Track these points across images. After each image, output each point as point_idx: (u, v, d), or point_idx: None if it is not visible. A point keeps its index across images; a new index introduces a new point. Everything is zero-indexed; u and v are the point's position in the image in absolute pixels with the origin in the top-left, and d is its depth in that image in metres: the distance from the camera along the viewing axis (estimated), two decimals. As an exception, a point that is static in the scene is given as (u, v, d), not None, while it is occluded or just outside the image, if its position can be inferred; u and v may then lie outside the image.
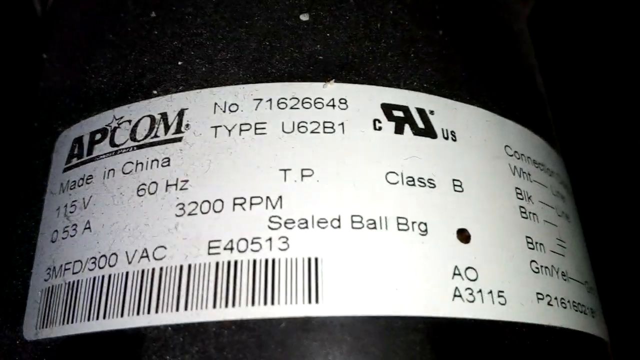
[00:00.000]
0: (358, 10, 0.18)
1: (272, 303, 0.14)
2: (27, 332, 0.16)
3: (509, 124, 0.19)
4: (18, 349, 0.16)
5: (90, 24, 0.20)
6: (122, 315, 0.14)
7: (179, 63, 0.17)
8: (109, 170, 0.16)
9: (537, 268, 0.16)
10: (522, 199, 0.17)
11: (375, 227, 0.15)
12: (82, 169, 0.17)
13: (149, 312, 0.14)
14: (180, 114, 0.16)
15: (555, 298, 0.16)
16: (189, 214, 0.15)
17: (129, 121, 0.17)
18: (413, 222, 0.15)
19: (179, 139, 0.16)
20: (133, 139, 0.16)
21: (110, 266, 0.15)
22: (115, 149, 0.17)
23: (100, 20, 0.20)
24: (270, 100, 0.16)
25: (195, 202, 0.15)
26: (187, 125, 0.16)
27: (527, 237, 0.17)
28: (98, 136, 0.17)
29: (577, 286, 0.18)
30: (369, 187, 0.15)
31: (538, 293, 0.16)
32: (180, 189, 0.15)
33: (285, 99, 0.16)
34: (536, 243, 0.17)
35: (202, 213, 0.15)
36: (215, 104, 0.16)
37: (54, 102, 0.19)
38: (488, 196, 0.16)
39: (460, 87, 0.18)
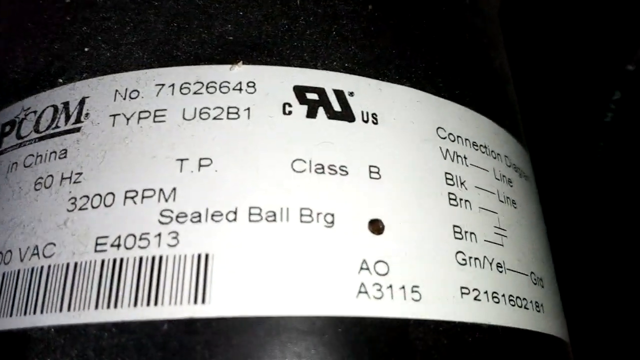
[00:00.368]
0: (277, -14, 0.17)
1: (156, 304, 0.13)
2: None
3: (445, 104, 0.17)
4: None
5: (12, 13, 0.19)
6: (11, 315, 0.14)
7: (85, 49, 0.16)
8: (13, 164, 0.16)
9: (465, 260, 0.15)
10: (452, 185, 0.16)
11: (275, 220, 0.14)
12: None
13: (34, 312, 0.13)
14: (82, 102, 0.15)
15: (486, 292, 0.15)
16: (80, 209, 0.14)
17: (35, 112, 0.16)
18: (318, 213, 0.14)
19: (77, 129, 0.15)
20: (36, 130, 0.16)
21: (5, 264, 0.14)
22: (20, 141, 0.16)
23: (20, 9, 0.19)
24: (172, 85, 0.15)
25: (87, 196, 0.14)
26: (87, 115, 0.15)
27: (454, 226, 0.15)
28: (7, 128, 0.16)
29: (518, 278, 0.16)
30: (272, 176, 0.14)
31: (463, 287, 0.15)
32: (74, 182, 0.14)
33: (189, 84, 0.15)
34: (466, 232, 0.16)
35: (93, 208, 0.14)
36: (116, 91, 0.15)
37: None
38: (409, 183, 0.15)
39: (388, 66, 0.17)
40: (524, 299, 0.16)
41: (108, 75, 0.16)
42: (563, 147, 0.25)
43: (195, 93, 0.15)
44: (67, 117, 0.15)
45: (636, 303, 0.28)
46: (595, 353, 0.29)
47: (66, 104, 0.16)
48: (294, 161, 0.14)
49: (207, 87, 0.15)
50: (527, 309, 0.16)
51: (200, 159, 0.14)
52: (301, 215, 0.14)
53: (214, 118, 0.15)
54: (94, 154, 0.15)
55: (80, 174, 0.14)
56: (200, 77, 0.15)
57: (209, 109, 0.15)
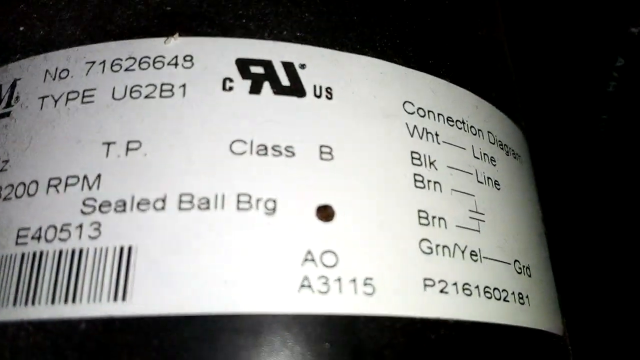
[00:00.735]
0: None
1: (74, 301, 0.12)
2: None
3: (415, 76, 0.15)
4: None
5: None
6: None
7: (20, 29, 0.15)
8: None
9: (430, 248, 0.13)
10: (419, 165, 0.14)
11: (208, 208, 0.12)
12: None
13: (-46, 311, 0.12)
14: (13, 85, 0.14)
15: (455, 284, 0.13)
16: (4, 199, 0.13)
17: (-30, 97, 0.15)
18: (258, 200, 0.13)
19: (8, 114, 0.14)
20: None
21: None
22: (-45, 128, 0.15)
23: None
24: (103, 62, 0.14)
25: (12, 185, 0.13)
26: (17, 98, 0.14)
27: (420, 211, 0.14)
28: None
29: (497, 267, 0.15)
30: (207, 159, 0.13)
31: (426, 279, 0.13)
32: (1, 171, 0.13)
33: (121, 60, 0.14)
34: (433, 218, 0.14)
35: (16, 197, 0.13)
36: (47, 71, 0.14)
37: None
38: (367, 164, 0.14)
39: (348, 34, 0.15)
40: (504, 290, 0.15)
41: (40, 55, 0.14)
42: (563, 122, 0.23)
43: (126, 70, 0.14)
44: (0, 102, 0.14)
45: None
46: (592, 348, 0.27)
47: (-2, 88, 0.15)
48: (232, 142, 0.13)
49: (139, 63, 0.14)
50: (507, 301, 0.15)
51: (129, 142, 0.13)
52: (238, 202, 0.12)
53: (146, 97, 0.13)
54: (21, 140, 0.13)
55: (6, 161, 0.13)
56: (133, 52, 0.14)
57: (141, 87, 0.13)
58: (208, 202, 0.12)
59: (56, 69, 0.14)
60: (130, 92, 0.13)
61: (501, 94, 0.18)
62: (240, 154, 0.13)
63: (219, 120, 0.13)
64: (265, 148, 0.13)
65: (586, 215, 0.26)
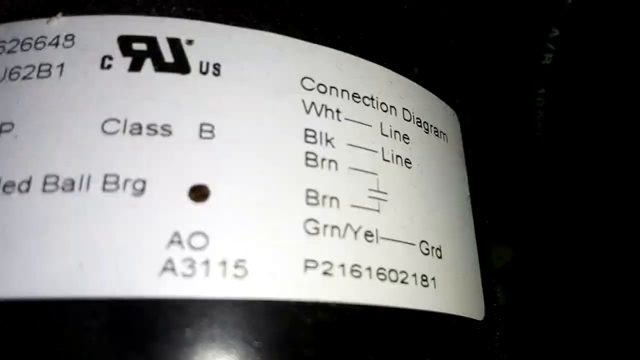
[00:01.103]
0: None
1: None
2: None
3: (319, 50, 0.15)
4: None
5: None
6: None
7: None
8: None
9: (317, 229, 0.13)
10: (314, 143, 0.14)
11: (72, 189, 0.12)
12: None
13: None
14: None
15: (342, 265, 0.13)
16: None
17: None
18: (127, 180, 0.12)
19: None
20: None
21: None
22: None
23: None
24: (-13, 45, 0.14)
25: None
26: None
27: (308, 190, 0.13)
28: None
29: (397, 248, 0.14)
30: (76, 140, 0.12)
31: (308, 260, 0.13)
32: None
33: (4, 42, 0.14)
34: (324, 197, 0.13)
35: None
36: (-64, 53, 0.14)
37: None
38: (251, 142, 0.13)
39: (244, 8, 0.14)
40: (402, 272, 0.14)
41: None
42: (500, 98, 0.22)
43: (9, 52, 0.13)
44: None
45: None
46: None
47: None
48: (105, 122, 0.13)
49: (22, 45, 0.13)
50: (406, 283, 0.14)
51: (2, 124, 0.13)
52: (105, 182, 0.12)
53: (24, 78, 0.13)
54: None
55: None
56: (17, 34, 0.14)
57: (20, 68, 0.13)
58: (73, 183, 0.12)
59: (-57, 52, 0.14)
60: (10, 73, 0.13)
61: (426, 69, 0.17)
62: (112, 133, 0.13)
63: (92, 100, 0.13)
64: (140, 127, 0.13)
65: (524, 196, 0.25)
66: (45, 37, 0.14)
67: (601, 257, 0.26)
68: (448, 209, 0.16)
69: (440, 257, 0.15)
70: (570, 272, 0.28)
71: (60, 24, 0.14)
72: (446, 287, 0.15)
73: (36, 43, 0.13)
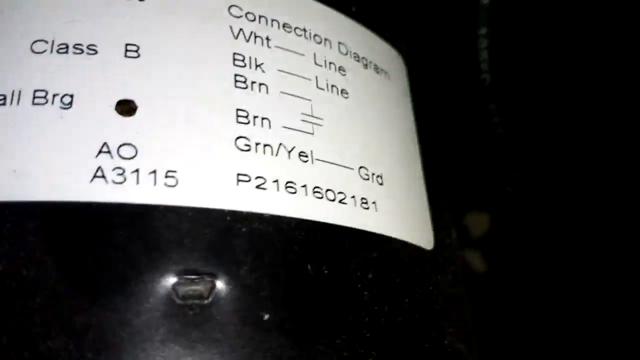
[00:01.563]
0: None
1: None
2: None
3: (249, -18, 0.15)
4: None
5: None
6: None
7: None
8: None
9: (248, 145, 0.13)
10: (243, 67, 0.14)
11: (4, 104, 0.12)
12: None
13: None
14: None
15: (276, 181, 0.13)
16: None
17: None
18: (55, 95, 0.12)
19: None
20: None
21: None
22: None
23: None
24: None
25: None
26: None
27: (238, 109, 0.13)
28: None
29: (335, 170, 0.14)
30: (7, 59, 0.13)
31: (241, 174, 0.13)
32: None
33: None
34: (255, 117, 0.14)
35: None
36: None
37: None
38: (177, 63, 0.13)
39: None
40: (340, 192, 0.14)
41: None
42: (442, 44, 0.22)
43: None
44: None
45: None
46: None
47: None
48: (34, 42, 0.13)
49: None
50: (345, 203, 0.14)
51: None
52: (34, 97, 0.12)
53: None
54: None
55: None
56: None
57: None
58: (5, 98, 0.12)
59: None
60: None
61: (364, 9, 0.18)
62: (40, 52, 0.13)
63: (21, 21, 0.13)
64: (67, 47, 0.13)
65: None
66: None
67: (575, 214, 0.26)
68: (390, 141, 0.16)
69: (381, 184, 0.15)
70: (548, 237, 0.28)
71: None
72: (388, 211, 0.15)
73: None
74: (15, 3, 0.13)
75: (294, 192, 0.13)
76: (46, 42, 0.13)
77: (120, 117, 0.12)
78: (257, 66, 0.14)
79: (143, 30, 0.13)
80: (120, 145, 0.12)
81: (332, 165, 0.14)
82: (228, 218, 0.12)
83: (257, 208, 0.13)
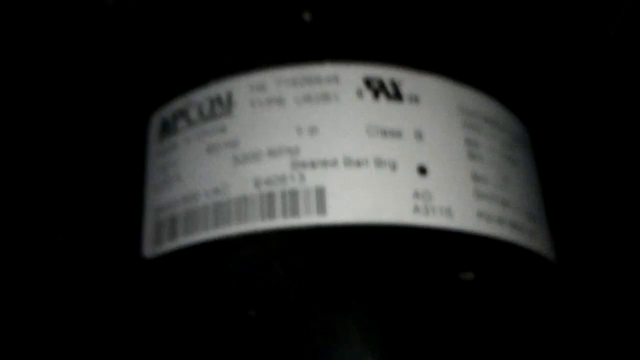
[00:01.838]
0: None
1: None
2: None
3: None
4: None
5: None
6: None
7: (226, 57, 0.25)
8: (186, 139, 0.24)
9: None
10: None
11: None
12: (169, 140, 0.25)
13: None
14: (229, 95, 0.24)
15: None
16: (241, 163, 0.23)
17: (198, 103, 0.25)
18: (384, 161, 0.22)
19: (229, 112, 0.24)
20: (201, 115, 0.24)
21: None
22: (189, 124, 0.25)
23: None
24: (287, 81, 0.24)
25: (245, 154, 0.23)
26: (234, 103, 0.24)
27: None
28: (179, 115, 0.25)
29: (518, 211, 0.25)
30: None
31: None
32: (233, 147, 0.23)
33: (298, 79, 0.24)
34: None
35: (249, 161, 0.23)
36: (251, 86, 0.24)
37: (144, 93, 0.27)
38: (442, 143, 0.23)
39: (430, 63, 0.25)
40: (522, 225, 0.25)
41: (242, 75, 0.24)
42: None
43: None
44: (220, 105, 0.24)
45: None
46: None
47: (219, 97, 0.24)
48: (367, 128, 0.23)
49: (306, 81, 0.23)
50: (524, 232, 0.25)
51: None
52: (376, 163, 0.22)
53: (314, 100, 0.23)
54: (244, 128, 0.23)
55: (236, 141, 0.23)
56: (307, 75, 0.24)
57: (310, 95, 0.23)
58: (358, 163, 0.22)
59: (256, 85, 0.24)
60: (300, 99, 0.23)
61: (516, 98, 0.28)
62: (373, 136, 0.23)
63: (355, 116, 0.23)
64: (385, 131, 0.23)
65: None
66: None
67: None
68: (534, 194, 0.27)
69: (539, 223, 0.26)
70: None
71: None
72: (541, 238, 0.26)
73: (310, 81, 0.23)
74: (349, 101, 0.23)
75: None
76: (374, 127, 0.23)
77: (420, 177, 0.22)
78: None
79: (421, 122, 0.23)
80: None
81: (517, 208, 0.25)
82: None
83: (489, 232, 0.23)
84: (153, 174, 0.25)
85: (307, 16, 0.24)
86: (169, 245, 0.23)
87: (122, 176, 0.27)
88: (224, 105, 0.24)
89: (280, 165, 0.22)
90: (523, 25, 0.32)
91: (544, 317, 0.24)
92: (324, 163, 0.22)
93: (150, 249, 0.24)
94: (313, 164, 0.22)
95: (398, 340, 0.20)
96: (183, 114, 0.25)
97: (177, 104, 0.25)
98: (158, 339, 0.22)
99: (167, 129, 0.25)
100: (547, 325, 0.24)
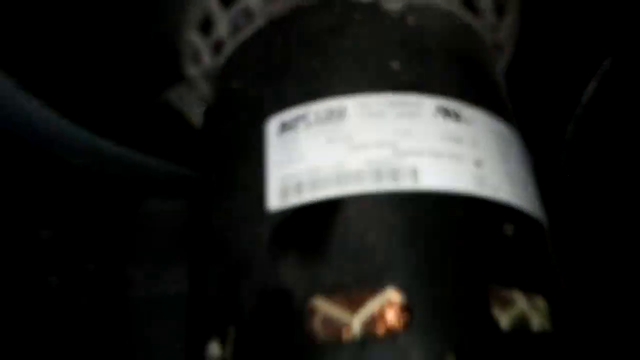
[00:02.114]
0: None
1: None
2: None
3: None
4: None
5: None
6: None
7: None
8: (307, 133, 0.33)
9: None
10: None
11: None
12: (289, 134, 0.34)
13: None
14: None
15: (520, 202, 0.34)
16: (356, 149, 0.32)
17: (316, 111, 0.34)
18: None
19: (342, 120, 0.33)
20: (318, 119, 0.34)
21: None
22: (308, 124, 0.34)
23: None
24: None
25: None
26: (346, 115, 0.33)
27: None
28: (299, 118, 0.34)
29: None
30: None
31: (512, 197, 0.33)
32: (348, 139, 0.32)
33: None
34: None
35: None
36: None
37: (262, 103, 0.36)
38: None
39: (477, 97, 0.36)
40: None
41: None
42: None
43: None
44: (335, 113, 0.33)
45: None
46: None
47: (334, 108, 0.34)
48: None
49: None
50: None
51: (405, 132, 0.33)
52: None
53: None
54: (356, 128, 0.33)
55: (350, 136, 0.32)
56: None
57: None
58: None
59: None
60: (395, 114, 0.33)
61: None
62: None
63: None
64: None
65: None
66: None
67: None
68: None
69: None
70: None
71: (415, 99, 0.34)
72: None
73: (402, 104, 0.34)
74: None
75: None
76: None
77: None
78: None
79: (462, 136, 0.34)
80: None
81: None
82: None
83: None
84: (276, 156, 0.33)
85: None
86: (295, 201, 0.31)
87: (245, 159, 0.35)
88: (338, 114, 0.34)
89: (385, 152, 0.32)
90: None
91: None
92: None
93: (276, 204, 0.32)
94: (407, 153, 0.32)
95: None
96: (303, 117, 0.34)
97: (298, 111, 0.35)
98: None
99: (286, 127, 0.34)
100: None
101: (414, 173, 0.31)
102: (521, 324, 0.28)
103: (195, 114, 0.49)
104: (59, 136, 0.47)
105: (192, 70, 0.46)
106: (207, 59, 0.44)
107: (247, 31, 0.41)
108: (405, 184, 0.31)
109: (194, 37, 0.44)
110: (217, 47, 0.44)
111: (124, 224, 0.50)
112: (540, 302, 0.30)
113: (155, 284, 0.51)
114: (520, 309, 0.29)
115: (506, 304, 0.28)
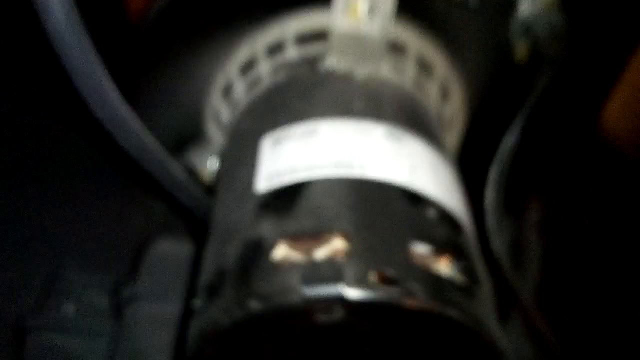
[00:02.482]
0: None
1: (350, 172, 0.43)
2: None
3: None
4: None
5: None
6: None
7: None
8: (291, 145, 0.46)
9: (439, 190, 0.45)
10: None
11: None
12: (278, 147, 0.47)
13: (308, 175, 0.43)
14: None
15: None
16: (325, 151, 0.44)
17: (294, 133, 0.47)
18: (395, 162, 0.45)
19: (315, 136, 0.46)
20: (296, 137, 0.47)
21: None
22: (290, 139, 0.47)
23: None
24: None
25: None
26: (317, 133, 0.46)
27: (436, 181, 0.46)
28: (284, 137, 0.47)
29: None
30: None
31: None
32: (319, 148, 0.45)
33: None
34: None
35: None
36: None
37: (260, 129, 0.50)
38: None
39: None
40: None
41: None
42: None
43: (356, 129, 0.47)
44: (310, 133, 0.46)
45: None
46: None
47: (309, 129, 0.47)
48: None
49: (360, 128, 0.47)
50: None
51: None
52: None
53: (363, 135, 0.46)
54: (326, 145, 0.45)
55: (320, 145, 0.45)
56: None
57: (361, 133, 0.46)
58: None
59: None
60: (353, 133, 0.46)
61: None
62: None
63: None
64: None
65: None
66: (366, 128, 0.47)
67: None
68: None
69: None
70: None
71: (370, 126, 0.47)
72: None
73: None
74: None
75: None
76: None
77: (411, 172, 0.44)
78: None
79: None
80: (413, 178, 0.44)
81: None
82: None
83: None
84: (267, 161, 0.46)
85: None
86: (276, 182, 0.43)
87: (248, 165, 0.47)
88: (313, 132, 0.47)
89: (344, 155, 0.44)
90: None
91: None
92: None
93: (263, 186, 0.43)
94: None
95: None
96: (288, 135, 0.47)
97: (282, 133, 0.48)
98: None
99: (276, 142, 0.47)
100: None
101: (363, 167, 0.43)
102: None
103: (208, 172, 0.62)
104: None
105: (212, 128, 0.60)
106: (226, 117, 0.59)
107: (256, 92, 0.56)
108: (357, 172, 0.43)
109: (217, 100, 0.59)
110: (235, 106, 0.58)
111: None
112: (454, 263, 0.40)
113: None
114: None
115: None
